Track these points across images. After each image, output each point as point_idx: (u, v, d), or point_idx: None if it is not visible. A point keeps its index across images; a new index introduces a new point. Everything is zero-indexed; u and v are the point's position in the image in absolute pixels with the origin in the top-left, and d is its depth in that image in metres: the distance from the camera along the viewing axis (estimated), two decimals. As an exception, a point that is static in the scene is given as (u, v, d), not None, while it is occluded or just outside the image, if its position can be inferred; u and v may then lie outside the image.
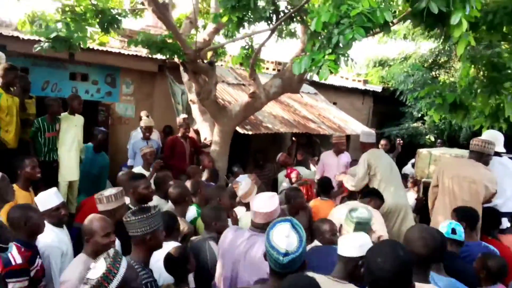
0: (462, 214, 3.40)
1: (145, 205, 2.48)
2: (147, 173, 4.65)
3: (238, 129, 5.82)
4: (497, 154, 4.25)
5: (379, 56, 12.19)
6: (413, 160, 6.96)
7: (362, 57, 12.33)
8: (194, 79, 5.11)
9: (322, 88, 10.03)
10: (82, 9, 4.44)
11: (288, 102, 7.82)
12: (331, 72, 3.24)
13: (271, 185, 6.74)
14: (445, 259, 2.34)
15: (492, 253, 2.95)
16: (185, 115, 5.98)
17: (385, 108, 11.23)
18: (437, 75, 11.45)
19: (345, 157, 6.24)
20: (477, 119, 5.24)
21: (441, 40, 3.37)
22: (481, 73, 4.89)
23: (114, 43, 7.42)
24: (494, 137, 4.34)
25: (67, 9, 4.40)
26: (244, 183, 3.68)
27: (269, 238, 1.75)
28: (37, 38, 4.65)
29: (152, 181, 4.23)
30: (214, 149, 5.51)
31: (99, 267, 1.67)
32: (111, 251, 1.76)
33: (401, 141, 7.51)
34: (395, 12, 2.98)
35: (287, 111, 7.33)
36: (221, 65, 8.30)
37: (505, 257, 2.91)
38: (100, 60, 6.47)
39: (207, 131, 5.90)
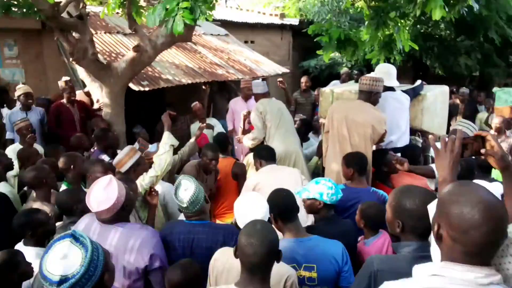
0: (350, 160, 3.34)
1: None
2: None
3: (132, 86, 5.30)
4: (391, 88, 4.15)
5: (295, -15, 11.61)
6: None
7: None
8: (63, 37, 4.45)
9: (236, 27, 9.48)
10: None
11: (195, 48, 7.27)
12: (186, 24, 2.87)
13: (186, 138, 6.48)
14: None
15: (370, 202, 2.83)
16: (67, 78, 5.33)
17: (306, 41, 10.92)
18: (353, 2, 11.17)
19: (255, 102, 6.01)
20: (372, 53, 5.11)
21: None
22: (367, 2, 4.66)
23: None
24: (386, 71, 4.17)
25: None
26: (120, 151, 3.34)
27: (42, 266, 1.38)
28: None
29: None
30: (106, 113, 5.01)
31: None
32: None
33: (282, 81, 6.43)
34: None
35: (191, 59, 6.81)
36: (117, 13, 7.43)
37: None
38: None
39: (98, 93, 5.30)
